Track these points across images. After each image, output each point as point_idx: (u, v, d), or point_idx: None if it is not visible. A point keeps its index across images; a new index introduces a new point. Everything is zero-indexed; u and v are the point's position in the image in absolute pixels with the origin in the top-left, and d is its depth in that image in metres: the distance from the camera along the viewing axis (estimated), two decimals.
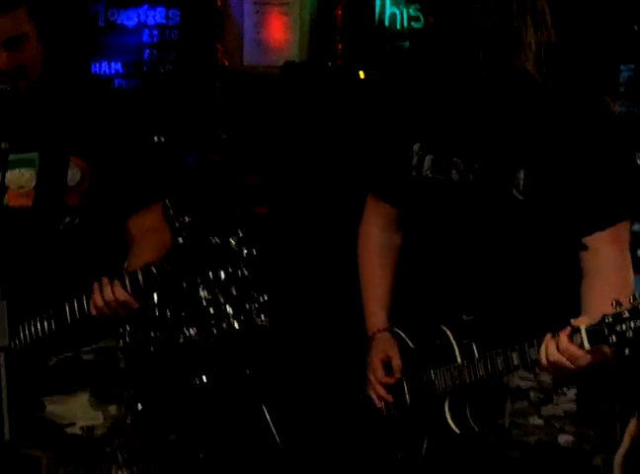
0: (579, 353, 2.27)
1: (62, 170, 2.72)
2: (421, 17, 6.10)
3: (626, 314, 2.18)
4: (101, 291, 2.57)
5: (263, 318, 2.59)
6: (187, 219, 4.54)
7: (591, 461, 2.57)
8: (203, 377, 4.14)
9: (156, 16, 6.70)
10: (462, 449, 2.67)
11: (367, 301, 2.82)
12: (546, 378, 2.58)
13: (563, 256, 2.55)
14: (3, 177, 2.58)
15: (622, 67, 13.01)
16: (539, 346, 2.35)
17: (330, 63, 6.13)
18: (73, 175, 2.73)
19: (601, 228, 2.46)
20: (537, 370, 2.57)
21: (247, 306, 2.55)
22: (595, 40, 5.70)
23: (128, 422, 2.63)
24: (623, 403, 2.52)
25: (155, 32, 6.71)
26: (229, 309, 2.55)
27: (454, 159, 2.56)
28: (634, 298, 2.19)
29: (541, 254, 2.55)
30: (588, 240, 2.48)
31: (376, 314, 2.80)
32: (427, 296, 2.70)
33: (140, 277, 2.53)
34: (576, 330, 2.27)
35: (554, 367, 2.33)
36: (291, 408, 4.34)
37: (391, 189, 2.74)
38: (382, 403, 2.75)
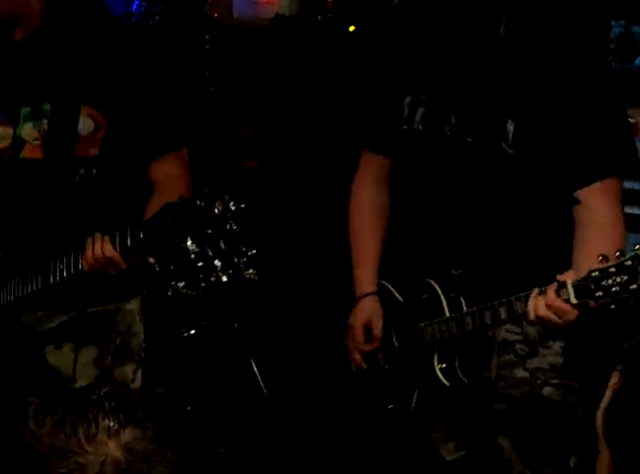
0: (566, 307, 2.28)
1: (72, 120, 2.64)
2: None
3: (612, 269, 2.19)
4: (92, 247, 2.55)
5: (251, 272, 2.58)
6: None
7: (575, 414, 2.59)
8: (192, 330, 4.15)
9: None
10: (451, 401, 2.69)
11: (357, 263, 2.82)
12: (532, 331, 2.59)
13: (553, 210, 2.55)
14: (16, 130, 2.54)
15: (613, 23, 12.94)
16: (527, 300, 2.35)
17: (320, 17, 6.08)
18: (86, 125, 2.66)
19: (592, 181, 2.46)
20: (524, 323, 2.58)
21: (235, 260, 2.55)
22: None
23: (115, 374, 2.64)
24: (609, 356, 2.53)
25: None
26: (217, 262, 2.55)
27: (446, 112, 2.55)
28: (621, 253, 2.19)
29: (531, 208, 2.54)
30: (579, 193, 2.47)
31: (365, 277, 2.80)
32: (416, 250, 2.70)
33: (129, 237, 2.50)
34: (562, 285, 2.28)
35: (542, 322, 2.34)
36: (280, 362, 4.36)
37: (383, 140, 2.73)
38: (356, 368, 2.76)
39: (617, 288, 2.19)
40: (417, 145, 2.62)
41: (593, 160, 2.47)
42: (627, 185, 3.01)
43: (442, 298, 2.60)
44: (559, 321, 2.32)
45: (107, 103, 2.65)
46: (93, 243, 2.54)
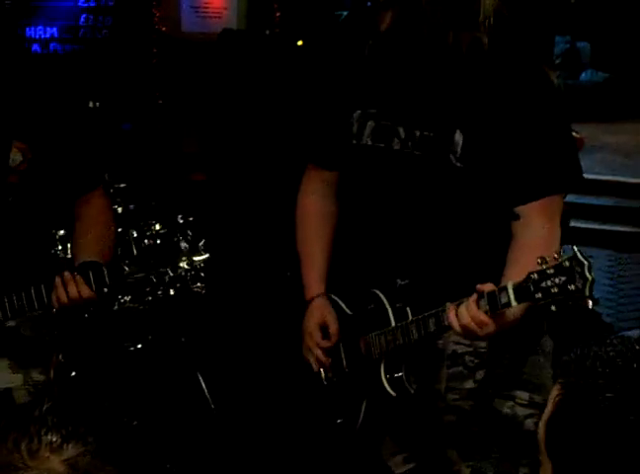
0: (484, 318, 2.31)
1: (3, 154, 2.67)
2: None
3: (551, 271, 2.21)
4: (64, 288, 2.57)
5: (199, 285, 2.59)
6: (122, 186, 4.52)
7: (524, 425, 2.61)
8: (138, 344, 4.13)
9: None
10: (399, 413, 2.70)
11: (305, 270, 2.83)
12: (482, 343, 2.61)
13: (497, 223, 2.56)
14: None
15: (558, 39, 13.12)
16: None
17: (268, 31, 6.10)
18: (13, 158, 2.69)
19: (534, 199, 2.48)
20: None
21: (182, 273, 2.55)
22: (530, 12, 5.73)
23: (56, 386, 2.62)
24: (558, 367, 2.56)
25: None
26: (165, 277, 2.55)
27: (395, 126, 2.56)
28: (559, 255, 2.22)
29: (476, 220, 2.56)
30: (520, 210, 2.49)
31: (314, 282, 2.80)
32: (363, 262, 2.71)
33: (106, 276, 2.55)
34: (481, 295, 2.31)
35: (464, 332, 2.37)
36: (227, 376, 4.35)
37: (331, 156, 2.74)
38: (320, 368, 2.76)
39: (556, 290, 2.21)
40: (366, 160, 2.63)
41: (534, 178, 2.49)
42: (569, 198, 3.04)
43: (388, 308, 2.61)
44: (479, 332, 2.35)
45: (32, 137, 2.69)
46: (64, 284, 2.57)
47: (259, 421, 4.05)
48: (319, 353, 2.74)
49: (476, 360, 2.61)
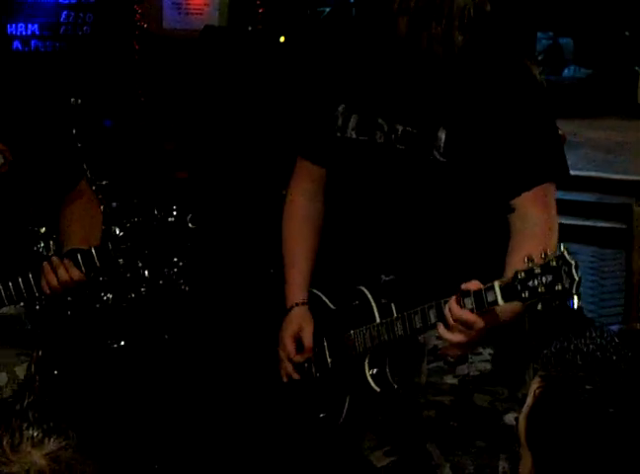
0: (470, 317, 2.31)
1: None
2: None
3: (538, 270, 2.21)
4: (55, 272, 2.58)
5: (181, 282, 2.60)
6: (104, 183, 4.51)
7: (503, 420, 2.62)
8: (121, 342, 4.13)
9: None
10: (381, 407, 2.71)
11: (288, 273, 2.82)
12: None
13: (484, 217, 2.57)
14: None
15: (541, 35, 13.14)
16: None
17: (250, 27, 6.10)
18: None
19: (526, 189, 2.48)
20: None
21: (165, 271, 2.56)
22: (512, 8, 5.75)
23: (38, 382, 2.62)
24: (539, 360, 2.57)
25: None
26: (147, 274, 2.56)
27: (379, 120, 2.57)
28: (545, 255, 2.22)
29: (462, 214, 2.56)
30: (515, 202, 2.50)
31: (295, 288, 2.79)
32: (348, 257, 2.71)
33: (95, 257, 2.55)
34: (465, 294, 2.31)
35: (456, 330, 2.36)
36: (211, 373, 4.35)
37: (318, 149, 2.74)
38: (288, 379, 2.77)
39: (543, 289, 2.21)
40: (350, 153, 2.64)
41: (526, 168, 2.49)
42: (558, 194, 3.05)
43: (373, 304, 2.61)
44: (466, 331, 2.35)
45: (11, 138, 2.68)
46: (54, 268, 2.58)
47: (243, 417, 4.06)
48: (289, 366, 2.74)
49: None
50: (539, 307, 2.26)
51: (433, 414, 2.64)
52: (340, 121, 2.62)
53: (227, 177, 5.50)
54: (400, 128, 2.53)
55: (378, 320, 2.57)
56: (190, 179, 5.55)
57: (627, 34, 13.27)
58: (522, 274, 2.23)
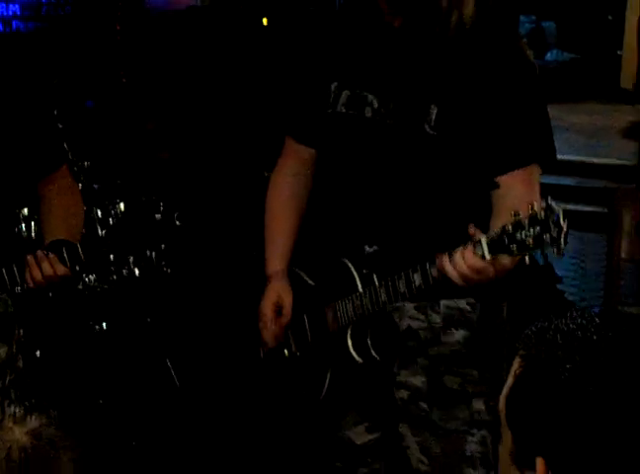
0: (481, 264, 2.31)
1: None
2: None
3: (525, 222, 2.22)
4: (39, 266, 2.58)
5: (164, 264, 2.59)
6: (86, 164, 4.50)
7: (472, 402, 2.63)
8: (103, 324, 4.13)
9: None
10: (362, 382, 2.72)
11: (268, 247, 2.83)
12: (436, 319, 2.62)
13: (471, 192, 2.58)
14: None
15: (523, 19, 13.13)
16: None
17: (233, 9, 6.08)
18: None
19: (514, 167, 2.49)
20: (429, 312, 2.62)
21: (148, 253, 2.55)
22: None
23: (19, 362, 2.63)
24: (511, 345, 2.58)
25: None
26: (130, 256, 2.55)
27: (369, 96, 2.58)
28: (532, 208, 2.22)
29: (449, 189, 2.57)
30: (501, 179, 2.50)
31: (274, 259, 2.80)
32: (331, 230, 2.72)
33: (81, 252, 2.56)
34: (477, 242, 2.32)
35: (462, 279, 2.36)
36: (193, 355, 4.35)
37: (308, 129, 2.75)
38: (275, 345, 2.77)
39: (531, 241, 2.21)
40: (338, 127, 2.65)
41: (514, 147, 2.50)
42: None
43: (355, 275, 2.62)
44: (478, 277, 2.35)
45: None
46: (38, 262, 2.59)
47: (224, 398, 4.07)
48: (274, 329, 2.75)
49: (429, 336, 2.62)
50: (527, 260, 2.25)
51: (405, 395, 2.65)
52: (331, 98, 2.64)
53: (209, 158, 5.49)
54: (391, 105, 2.54)
55: (361, 290, 2.58)
56: (171, 159, 5.54)
57: (610, 17, 13.29)
58: (510, 227, 2.23)
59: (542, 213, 2.19)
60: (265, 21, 5.67)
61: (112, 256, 2.57)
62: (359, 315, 2.59)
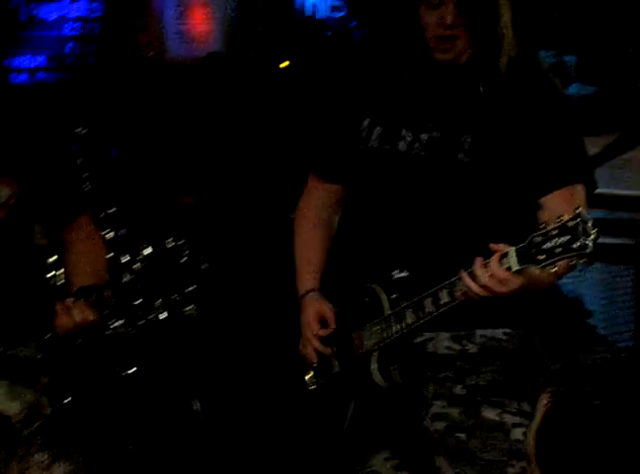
0: (506, 275, 2.31)
1: None
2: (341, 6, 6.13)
3: (554, 231, 2.21)
4: (68, 314, 2.58)
5: (190, 308, 2.60)
6: (112, 210, 4.52)
7: (511, 433, 2.61)
8: (131, 369, 4.13)
9: (79, 8, 6.65)
10: (390, 419, 2.70)
11: (299, 271, 2.84)
12: (473, 349, 2.61)
13: (502, 217, 2.58)
14: None
15: (545, 54, 13.14)
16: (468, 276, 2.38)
17: (253, 53, 6.13)
18: (1, 193, 2.69)
19: (556, 187, 2.50)
20: (464, 341, 2.61)
21: (173, 296, 2.56)
22: (515, 26, 5.75)
23: (47, 408, 2.63)
24: (548, 376, 2.55)
25: (77, 24, 6.66)
26: (156, 300, 2.56)
27: (402, 131, 2.61)
28: (560, 217, 2.21)
29: (481, 215, 2.58)
30: (544, 200, 2.50)
31: (307, 280, 2.81)
32: (361, 255, 2.74)
33: (109, 298, 2.56)
34: (505, 254, 2.31)
35: (485, 292, 2.35)
36: (223, 399, 4.35)
37: (337, 166, 2.77)
38: (316, 360, 2.76)
39: (560, 249, 2.20)
40: (372, 162, 2.67)
41: (554, 167, 2.51)
42: None
43: (384, 298, 2.62)
44: (502, 290, 2.34)
45: (18, 169, 2.69)
46: (67, 309, 2.58)
47: (246, 429, 4.06)
48: (317, 342, 2.75)
49: (466, 366, 2.61)
50: (555, 270, 2.23)
51: (441, 427, 2.63)
52: (364, 135, 2.66)
53: (234, 202, 5.51)
54: (425, 137, 2.57)
55: (388, 311, 2.59)
56: (197, 204, 5.57)
57: (631, 50, 13.28)
58: (539, 237, 2.23)
59: (571, 222, 2.19)
60: (286, 63, 5.70)
61: (139, 300, 2.58)
62: (385, 340, 2.59)
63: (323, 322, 2.74)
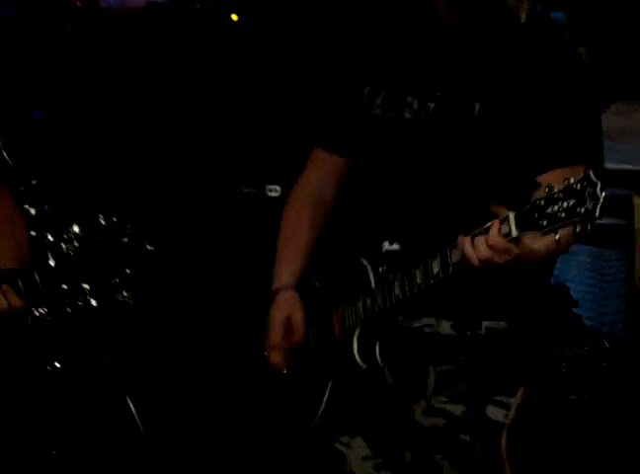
0: (506, 245, 2.34)
1: None
2: None
3: (559, 195, 2.23)
4: None
5: (125, 294, 2.59)
6: (33, 182, 4.50)
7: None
8: (56, 363, 4.12)
9: None
10: (374, 410, 2.73)
11: (279, 261, 2.90)
12: (478, 341, 2.65)
13: (506, 191, 2.61)
14: None
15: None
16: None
17: (198, 4, 6.10)
18: None
19: (558, 166, 2.53)
20: (468, 332, 2.65)
21: (107, 281, 2.55)
22: None
23: None
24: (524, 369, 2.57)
25: None
26: (85, 285, 2.55)
27: (408, 98, 2.65)
28: (567, 180, 2.23)
29: (482, 188, 2.63)
30: (542, 178, 2.54)
31: (283, 274, 2.87)
32: (348, 230, 2.78)
33: (39, 282, 2.59)
34: (505, 219, 2.34)
35: (482, 262, 2.39)
36: (159, 394, 4.35)
37: (340, 136, 2.82)
38: (284, 366, 2.80)
39: (564, 214, 2.22)
40: (374, 131, 2.73)
41: (562, 145, 2.56)
42: None
43: (370, 272, 2.66)
44: (500, 260, 2.37)
45: None
46: None
47: (190, 441, 4.07)
48: (277, 354, 2.78)
49: (471, 360, 2.64)
50: (557, 237, 2.25)
51: (440, 423, 2.66)
52: (365, 101, 2.70)
53: (175, 174, 5.49)
54: (432, 106, 2.61)
55: (374, 285, 2.62)
56: (130, 175, 5.54)
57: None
58: (542, 201, 2.26)
59: (579, 185, 2.21)
60: (234, 17, 5.69)
61: (64, 285, 2.57)
62: (369, 315, 2.63)
63: (289, 327, 2.78)
